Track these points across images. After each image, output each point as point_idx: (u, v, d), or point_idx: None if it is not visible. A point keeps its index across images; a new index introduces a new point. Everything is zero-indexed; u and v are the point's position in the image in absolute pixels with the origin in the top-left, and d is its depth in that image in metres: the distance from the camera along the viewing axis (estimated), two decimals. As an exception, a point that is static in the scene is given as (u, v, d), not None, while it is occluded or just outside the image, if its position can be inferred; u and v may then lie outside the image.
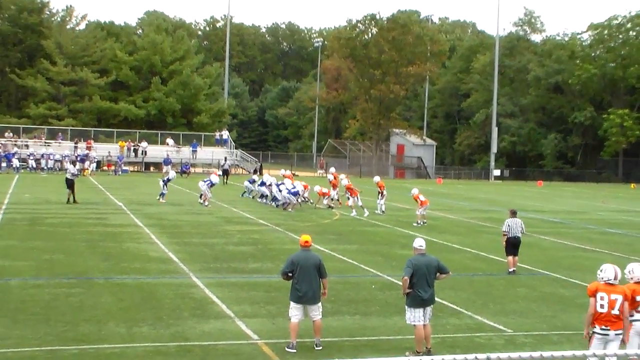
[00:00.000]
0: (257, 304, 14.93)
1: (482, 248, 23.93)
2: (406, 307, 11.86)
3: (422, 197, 30.47)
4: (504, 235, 19.21)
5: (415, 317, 11.69)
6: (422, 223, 29.99)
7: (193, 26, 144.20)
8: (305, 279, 11.89)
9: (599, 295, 9.99)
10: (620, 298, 9.95)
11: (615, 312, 9.93)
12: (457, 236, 27.07)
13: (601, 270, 10.27)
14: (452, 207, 39.75)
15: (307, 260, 12.06)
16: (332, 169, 41.71)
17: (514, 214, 19.54)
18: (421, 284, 11.66)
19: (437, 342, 12.38)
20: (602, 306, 9.95)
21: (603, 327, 9.95)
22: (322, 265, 12.19)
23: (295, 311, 11.93)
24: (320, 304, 12.12)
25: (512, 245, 19.20)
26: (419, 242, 12.14)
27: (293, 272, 11.96)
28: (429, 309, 11.82)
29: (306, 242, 12.31)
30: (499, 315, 14.70)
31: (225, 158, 63.63)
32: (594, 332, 10.02)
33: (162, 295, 15.37)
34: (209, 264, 19.40)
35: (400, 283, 12.11)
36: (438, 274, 12.00)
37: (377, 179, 36.06)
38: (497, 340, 12.90)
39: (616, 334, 9.96)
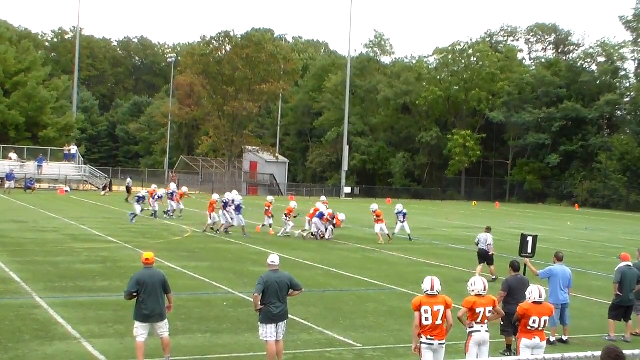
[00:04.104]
0: (105, 323, 14.49)
1: (333, 264, 24.29)
2: (259, 323, 11.87)
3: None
4: None
5: (268, 333, 11.71)
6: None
7: (40, 37, 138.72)
8: (152, 297, 11.66)
9: (423, 308, 10.48)
10: (442, 308, 10.52)
11: (439, 322, 10.47)
12: (309, 253, 27.36)
13: (423, 282, 10.80)
14: (304, 224, 40.01)
15: (153, 277, 11.84)
16: (323, 198, 37.30)
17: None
18: (273, 300, 11.71)
19: (288, 358, 12.45)
20: (427, 319, 10.45)
21: (429, 336, 10.46)
22: (167, 281, 12.08)
23: (141, 330, 11.65)
24: (167, 320, 11.92)
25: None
26: (272, 259, 12.20)
27: (139, 292, 11.69)
28: (282, 325, 11.86)
29: (147, 259, 12.06)
30: (348, 330, 14.96)
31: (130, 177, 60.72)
32: (421, 343, 10.49)
33: (1, 318, 14.59)
34: (53, 283, 18.64)
35: (252, 300, 12.10)
36: (290, 290, 12.08)
37: (374, 206, 33.17)
38: (347, 355, 13.12)
39: (439, 344, 10.50)
